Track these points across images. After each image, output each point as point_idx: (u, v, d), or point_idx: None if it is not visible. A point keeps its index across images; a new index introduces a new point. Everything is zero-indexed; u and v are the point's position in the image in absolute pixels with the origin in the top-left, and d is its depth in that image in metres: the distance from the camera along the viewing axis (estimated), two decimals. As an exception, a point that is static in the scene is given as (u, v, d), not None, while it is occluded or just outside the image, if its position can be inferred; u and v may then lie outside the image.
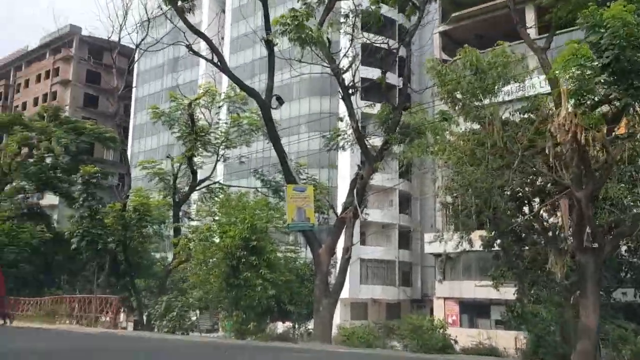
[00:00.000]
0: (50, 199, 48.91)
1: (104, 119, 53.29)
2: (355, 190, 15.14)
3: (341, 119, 17.15)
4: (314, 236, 16.21)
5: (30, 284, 30.67)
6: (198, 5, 62.99)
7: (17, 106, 69.33)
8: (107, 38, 26.06)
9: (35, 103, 65.28)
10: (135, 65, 65.81)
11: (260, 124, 24.55)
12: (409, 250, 48.70)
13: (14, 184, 35.34)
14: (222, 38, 49.17)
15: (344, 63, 15.77)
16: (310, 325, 20.55)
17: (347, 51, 15.45)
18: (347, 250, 15.05)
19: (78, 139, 34.80)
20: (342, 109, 34.42)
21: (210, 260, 19.09)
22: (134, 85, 64.72)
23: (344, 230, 15.88)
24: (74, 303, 23.55)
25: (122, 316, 27.30)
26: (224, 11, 55.94)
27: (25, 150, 35.26)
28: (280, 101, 15.99)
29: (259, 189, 25.36)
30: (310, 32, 12.12)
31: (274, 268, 18.09)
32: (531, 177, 20.15)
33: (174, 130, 24.70)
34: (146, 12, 24.05)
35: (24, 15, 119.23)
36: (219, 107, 24.81)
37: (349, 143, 17.04)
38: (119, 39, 26.68)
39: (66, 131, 34.74)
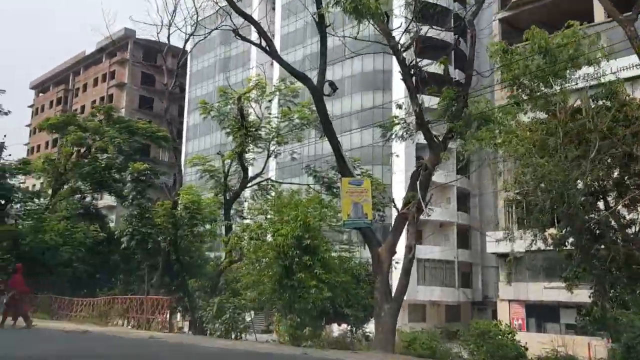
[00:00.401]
0: (108, 200, 49.54)
1: (159, 121, 53.51)
2: (418, 183, 13.63)
3: (400, 106, 15.66)
4: (372, 234, 14.83)
5: (86, 284, 30.61)
6: (247, 2, 62.61)
7: (76, 110, 70.92)
8: (157, 37, 25.47)
9: (93, 106, 66.66)
10: (188, 67, 66.48)
11: (312, 118, 23.44)
12: (468, 249, 46.53)
13: (70, 184, 35.57)
14: (273, 35, 48.57)
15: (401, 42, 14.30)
16: (368, 327, 19.29)
17: (408, 25, 13.96)
18: (410, 248, 13.55)
19: (131, 138, 34.70)
20: (398, 98, 33.20)
21: (263, 259, 18.06)
22: (186, 86, 65.55)
23: (405, 227, 14.42)
24: (126, 304, 23.01)
25: (178, 316, 26.76)
26: (273, 8, 55.19)
27: (79, 150, 35.48)
28: (334, 87, 14.67)
29: (311, 186, 24.24)
30: (367, 1, 10.76)
31: (329, 268, 16.83)
32: (608, 169, 18.17)
33: (223, 125, 23.84)
34: (194, 5, 23.22)
35: (82, 22, 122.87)
36: (269, 100, 23.77)
37: (408, 132, 15.53)
38: (169, 33, 26.07)
39: (119, 130, 34.70)
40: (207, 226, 24.24)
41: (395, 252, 14.24)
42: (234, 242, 19.73)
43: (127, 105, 65.39)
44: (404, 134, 15.35)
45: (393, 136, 15.86)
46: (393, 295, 13.74)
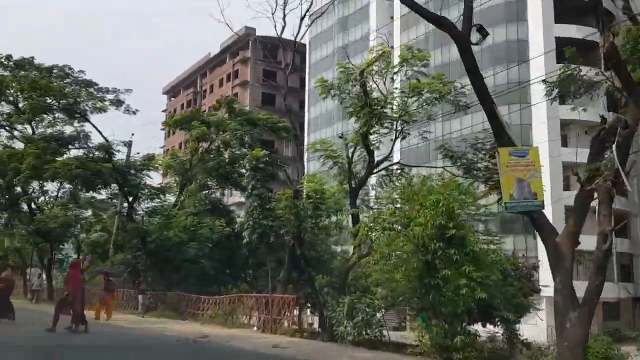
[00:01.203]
0: (238, 196, 49.44)
1: (281, 115, 52.65)
2: (614, 147, 9.88)
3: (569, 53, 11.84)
4: (544, 219, 11.30)
5: (213, 280, 29.70)
6: (365, 14, 59.69)
7: (204, 111, 72.59)
8: (275, 31, 23.49)
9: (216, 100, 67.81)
10: (307, 60, 65.33)
11: (445, 90, 20.11)
12: (627, 239, 40.14)
13: (197, 180, 35.16)
14: (392, 47, 45.50)
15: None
16: (521, 330, 15.95)
17: None
18: (604, 237, 9.85)
19: (252, 130, 33.46)
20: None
21: (396, 253, 15.20)
22: (306, 80, 64.39)
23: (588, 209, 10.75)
24: (251, 302, 21.26)
25: (307, 312, 24.73)
26: (392, 17, 52.11)
27: (204, 145, 34.93)
28: (483, 32, 11.38)
29: (447, 169, 20.83)
30: None
31: (479, 264, 13.59)
32: None
33: (345, 105, 21.16)
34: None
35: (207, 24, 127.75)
36: (395, 73, 20.67)
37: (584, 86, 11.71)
38: (284, 14, 23.89)
39: (240, 123, 33.61)
40: (333, 218, 21.76)
41: (578, 243, 10.61)
42: (364, 233, 17.00)
43: (250, 102, 65.62)
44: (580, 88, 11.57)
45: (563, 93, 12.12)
46: (582, 298, 10.11)
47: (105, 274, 22.21)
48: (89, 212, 37.72)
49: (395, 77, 21.13)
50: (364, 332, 16.33)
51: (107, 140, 26.88)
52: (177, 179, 34.28)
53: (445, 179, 19.18)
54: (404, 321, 25.29)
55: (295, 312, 19.48)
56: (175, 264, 27.95)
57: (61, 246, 38.47)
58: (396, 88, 21.79)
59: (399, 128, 21.91)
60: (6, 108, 34.16)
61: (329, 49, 62.01)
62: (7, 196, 32.58)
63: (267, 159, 20.96)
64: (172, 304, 25.47)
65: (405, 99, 21.12)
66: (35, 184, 33.24)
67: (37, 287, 32.86)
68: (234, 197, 48.69)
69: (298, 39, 24.52)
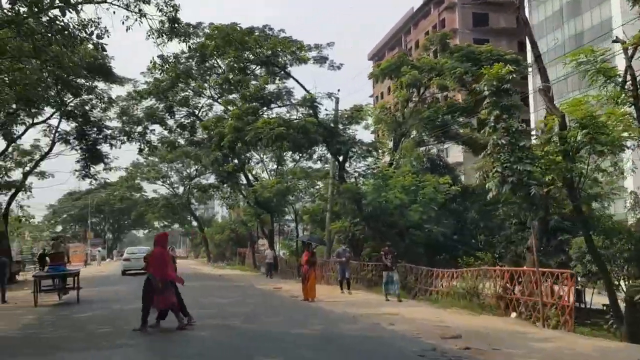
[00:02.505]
0: (455, 155, 43.18)
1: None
2: None
3: None
4: None
5: (441, 248, 24.23)
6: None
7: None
8: None
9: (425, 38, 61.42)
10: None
11: None
12: None
13: (412, 135, 29.86)
14: None
15: None
16: None
17: None
18: None
19: (474, 66, 26.91)
20: None
21: None
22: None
23: None
24: (500, 278, 15.13)
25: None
26: None
27: (416, 93, 29.36)
28: None
29: None
30: None
31: None
32: None
33: None
34: None
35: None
36: None
37: None
38: None
39: (458, 59, 27.26)
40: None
41: None
42: None
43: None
44: None
45: None
46: None
47: (306, 243, 18.02)
48: (303, 183, 35.01)
49: None
50: None
51: (310, 94, 22.93)
52: (386, 133, 29.33)
53: None
54: None
55: (570, 292, 12.82)
56: (397, 230, 23.05)
57: (281, 216, 36.67)
58: None
59: None
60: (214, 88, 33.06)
61: (555, 4, 51.18)
62: (224, 166, 31.11)
63: (514, 76, 14.46)
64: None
65: None
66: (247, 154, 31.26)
67: (270, 259, 30.67)
68: (452, 157, 42.26)
69: None
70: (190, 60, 32.14)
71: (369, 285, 22.02)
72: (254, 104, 24.01)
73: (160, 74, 29.26)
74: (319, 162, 42.70)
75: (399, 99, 28.90)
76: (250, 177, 35.41)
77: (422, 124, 28.58)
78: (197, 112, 34.53)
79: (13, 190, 30.51)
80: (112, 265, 58.08)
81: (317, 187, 33.16)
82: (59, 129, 29.72)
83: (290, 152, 24.31)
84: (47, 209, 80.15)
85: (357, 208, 23.11)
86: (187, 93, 33.91)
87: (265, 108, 24.46)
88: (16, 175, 31.57)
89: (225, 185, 36.70)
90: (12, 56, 17.20)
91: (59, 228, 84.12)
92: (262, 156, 38.11)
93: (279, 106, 24.86)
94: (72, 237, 77.65)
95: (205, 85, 33.83)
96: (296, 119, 22.92)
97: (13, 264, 29.15)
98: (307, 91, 24.16)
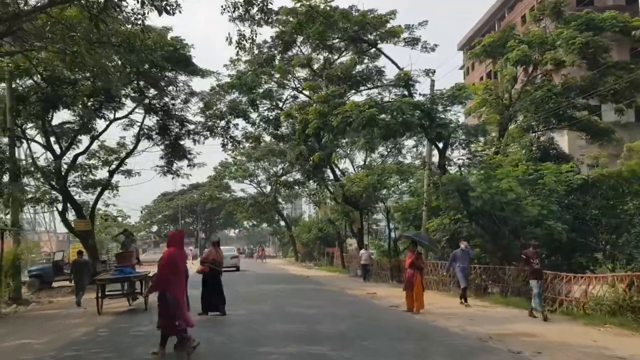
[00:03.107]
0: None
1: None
2: None
3: None
4: None
5: (565, 249, 20.26)
6: None
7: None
8: None
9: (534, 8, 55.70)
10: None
11: None
12: None
13: (520, 119, 25.88)
14: None
15: None
16: None
17: None
18: None
19: (597, 35, 22.59)
20: None
21: None
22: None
23: None
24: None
25: None
26: None
27: (524, 73, 25.36)
28: None
29: None
30: None
31: None
32: None
33: None
34: None
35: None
36: None
37: None
38: None
39: (577, 29, 23.02)
40: None
41: None
42: None
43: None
44: None
45: None
46: None
47: (412, 241, 14.72)
48: (394, 178, 31.72)
49: None
50: None
51: (404, 71, 19.69)
52: (490, 116, 25.50)
53: None
54: None
55: None
56: (511, 227, 19.40)
57: (371, 214, 33.63)
58: None
59: None
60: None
61: None
62: (310, 160, 28.61)
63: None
64: (515, 284, 17.05)
65: None
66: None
67: (366, 260, 27.50)
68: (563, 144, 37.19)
69: None
70: (273, 50, 30.12)
71: (477, 292, 18.59)
72: (342, 85, 21.22)
73: (241, 53, 27.33)
74: (408, 156, 39.49)
75: (505, 78, 25.05)
76: (338, 172, 32.71)
77: (532, 107, 24.57)
78: (280, 104, 32.42)
79: (99, 189, 29.84)
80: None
81: (410, 181, 29.80)
82: (142, 125, 28.62)
83: (379, 145, 21.08)
84: (142, 210, 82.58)
85: (462, 202, 19.68)
86: (270, 85, 31.90)
87: (353, 91, 21.65)
88: (102, 174, 30.94)
89: (311, 181, 34.32)
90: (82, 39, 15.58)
91: (154, 228, 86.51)
92: (348, 151, 35.43)
93: (369, 88, 21.91)
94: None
95: (289, 76, 31.72)
96: (389, 101, 19.87)
97: (98, 263, 28.40)
98: (401, 69, 21.08)
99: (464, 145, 20.98)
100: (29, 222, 45.78)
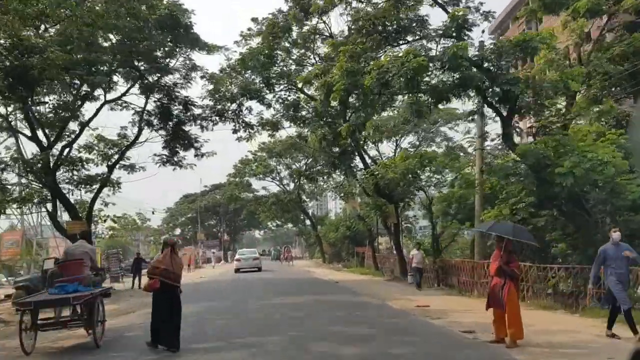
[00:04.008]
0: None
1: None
2: None
3: None
4: None
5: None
6: None
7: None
8: None
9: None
10: None
11: None
12: None
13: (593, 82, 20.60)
14: None
15: None
16: None
17: None
18: None
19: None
20: None
21: None
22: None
23: None
24: None
25: None
26: None
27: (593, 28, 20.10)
28: None
29: None
30: None
31: None
32: None
33: None
34: None
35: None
36: None
37: None
38: None
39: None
40: None
41: None
42: None
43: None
44: None
45: None
46: None
47: (502, 237, 9.16)
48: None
49: None
50: None
51: (456, 13, 14.50)
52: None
53: None
54: None
55: None
56: (605, 214, 14.27)
57: (408, 206, 28.45)
58: None
59: None
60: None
61: None
62: (337, 139, 23.62)
63: None
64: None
65: None
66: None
67: (418, 262, 21.56)
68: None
69: None
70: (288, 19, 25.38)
71: (563, 302, 13.49)
72: (374, 35, 16.26)
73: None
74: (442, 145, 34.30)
75: (575, 33, 19.83)
76: (368, 161, 27.72)
77: (609, 63, 19.40)
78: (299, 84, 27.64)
79: (97, 187, 25.55)
80: (225, 268, 53.45)
81: (456, 165, 24.60)
82: (144, 109, 24.21)
83: (428, 110, 15.84)
84: (165, 212, 78.78)
85: (537, 183, 14.60)
86: (288, 62, 27.12)
87: (389, 46, 16.71)
88: (102, 170, 26.57)
89: (337, 170, 29.40)
90: None
91: (178, 231, 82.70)
92: (376, 143, 30.41)
93: (408, 42, 16.87)
94: (185, 240, 75.59)
95: (308, 53, 26.96)
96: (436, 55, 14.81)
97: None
98: (447, 12, 15.94)
99: (535, 109, 15.82)
100: (33, 226, 41.96)
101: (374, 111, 17.75)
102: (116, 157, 25.88)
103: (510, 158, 21.61)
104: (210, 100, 25.93)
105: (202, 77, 23.88)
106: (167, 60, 22.55)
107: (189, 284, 27.67)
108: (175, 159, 24.71)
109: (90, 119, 23.10)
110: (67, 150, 24.21)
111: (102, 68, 20.47)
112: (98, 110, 22.84)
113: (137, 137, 25.42)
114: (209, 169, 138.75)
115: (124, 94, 23.15)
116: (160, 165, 24.69)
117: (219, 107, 25.65)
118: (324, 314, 12.89)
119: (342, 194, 33.93)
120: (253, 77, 26.26)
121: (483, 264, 17.98)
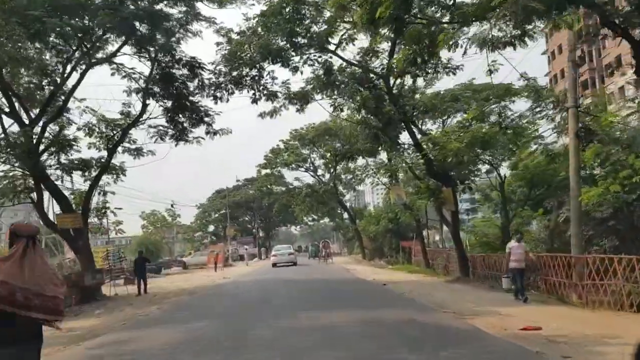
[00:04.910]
0: None
1: None
2: None
3: None
4: None
5: None
6: None
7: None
8: None
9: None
10: None
11: None
12: None
13: None
14: None
15: None
16: None
17: None
18: None
19: None
20: None
21: None
22: None
23: None
24: None
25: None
26: None
27: None
28: None
29: None
30: None
31: None
32: None
33: None
34: None
35: None
36: None
37: None
38: None
39: None
40: None
41: None
42: None
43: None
44: None
45: None
46: None
47: None
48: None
49: None
50: None
51: None
52: None
53: None
54: None
55: None
56: None
57: (468, 188, 22.61)
58: None
59: None
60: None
61: None
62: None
63: None
64: None
65: None
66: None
67: (519, 260, 15.13)
68: None
69: None
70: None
71: None
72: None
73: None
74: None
75: None
76: (419, 135, 22.09)
77: None
78: (331, 46, 22.34)
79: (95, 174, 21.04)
80: (258, 265, 48.77)
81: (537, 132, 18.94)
82: (151, 74, 19.44)
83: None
84: (197, 208, 74.96)
85: None
86: (317, 20, 21.86)
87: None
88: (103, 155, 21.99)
89: (380, 147, 23.82)
90: None
91: (211, 228, 78.72)
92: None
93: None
94: (217, 237, 71.42)
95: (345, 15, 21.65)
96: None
97: (89, 273, 19.62)
98: None
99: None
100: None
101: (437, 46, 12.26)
102: (118, 137, 21.32)
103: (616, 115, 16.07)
104: (225, 66, 21.00)
105: (198, 19, 18.82)
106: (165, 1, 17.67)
107: (199, 286, 22.85)
108: (175, 131, 19.76)
109: (76, 86, 18.45)
110: (56, 129, 19.80)
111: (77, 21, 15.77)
112: (83, 74, 18.15)
113: (141, 113, 20.77)
114: (244, 162, 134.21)
115: (114, 54, 18.44)
116: (157, 139, 19.88)
117: (235, 73, 20.69)
118: (383, 354, 7.45)
119: (387, 175, 28.27)
120: (277, 37, 21.17)
121: (584, 259, 12.40)
